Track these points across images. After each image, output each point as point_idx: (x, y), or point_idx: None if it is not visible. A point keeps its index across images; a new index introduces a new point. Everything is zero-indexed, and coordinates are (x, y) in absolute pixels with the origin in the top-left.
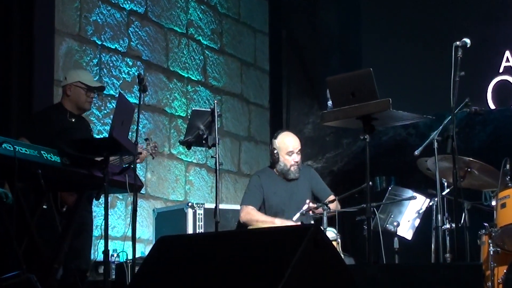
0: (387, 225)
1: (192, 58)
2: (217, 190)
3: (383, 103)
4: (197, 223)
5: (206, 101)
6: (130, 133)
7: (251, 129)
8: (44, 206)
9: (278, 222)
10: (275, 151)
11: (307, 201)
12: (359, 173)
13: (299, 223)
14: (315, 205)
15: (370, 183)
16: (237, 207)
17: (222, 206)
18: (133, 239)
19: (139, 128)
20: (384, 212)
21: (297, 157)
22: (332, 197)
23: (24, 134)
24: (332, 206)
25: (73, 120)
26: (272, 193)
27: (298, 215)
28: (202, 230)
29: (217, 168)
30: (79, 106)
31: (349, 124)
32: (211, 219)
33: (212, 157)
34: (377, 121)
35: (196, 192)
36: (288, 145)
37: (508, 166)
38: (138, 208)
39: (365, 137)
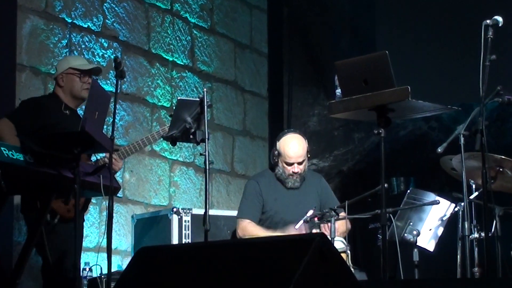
0: (406, 234)
1: (177, 39)
2: (206, 193)
3: (401, 92)
4: (184, 231)
5: (194, 89)
6: (105, 127)
7: (247, 122)
8: None
9: (279, 234)
10: (276, 153)
11: (314, 208)
12: (373, 173)
13: (302, 231)
14: (322, 212)
15: (386, 185)
16: (230, 213)
17: (212, 212)
18: (109, 250)
19: (116, 121)
20: (401, 219)
21: (297, 169)
22: (342, 215)
23: (10, 117)
24: (342, 222)
25: (67, 113)
26: (273, 200)
27: (301, 222)
28: (189, 240)
29: (207, 168)
30: (74, 94)
31: (361, 116)
32: (200, 227)
33: (201, 154)
34: (394, 113)
35: (182, 196)
36: (288, 155)
37: None
38: (114, 214)
39: (380, 131)
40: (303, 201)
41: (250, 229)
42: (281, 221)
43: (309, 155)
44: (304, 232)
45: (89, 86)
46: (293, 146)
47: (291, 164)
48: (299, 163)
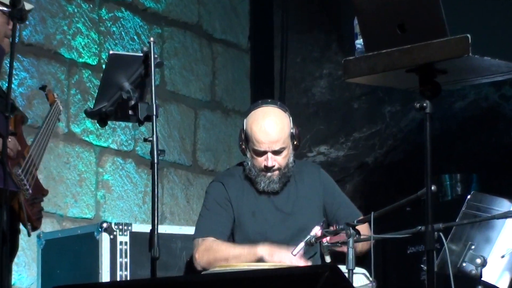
0: (464, 264)
1: None
2: (154, 200)
3: (457, 44)
4: (119, 259)
5: (135, 38)
6: None
7: (217, 89)
8: None
9: (263, 252)
10: (242, 136)
11: (321, 224)
12: (413, 168)
13: (304, 261)
14: (332, 229)
15: (434, 186)
16: (191, 229)
17: (164, 228)
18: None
19: (13, 87)
20: (458, 240)
21: (271, 161)
22: (364, 231)
23: None
24: (363, 229)
25: None
26: (249, 212)
27: (301, 246)
28: (128, 274)
29: (155, 161)
30: None
31: (395, 81)
32: (144, 252)
33: (145, 140)
34: (446, 76)
35: (116, 204)
36: (256, 138)
37: None
38: (12, 233)
39: (424, 104)
40: (297, 212)
41: (215, 247)
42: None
43: (296, 141)
44: (303, 261)
45: (10, 33)
46: (265, 125)
47: (261, 154)
48: (275, 152)
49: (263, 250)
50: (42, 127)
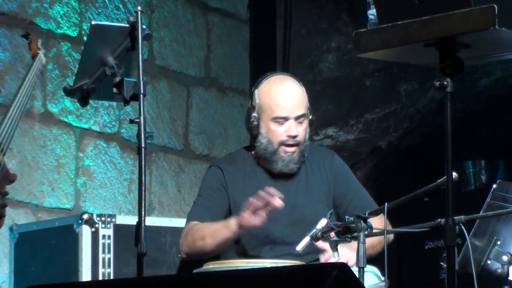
0: (489, 261)
1: None
2: (142, 189)
3: (482, 15)
4: (101, 255)
5: (120, 7)
6: None
7: (212, 64)
8: None
9: (234, 223)
10: (253, 114)
11: (328, 216)
12: (432, 153)
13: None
14: (340, 223)
15: (455, 174)
16: (183, 222)
17: (153, 220)
18: None
19: None
20: (482, 235)
21: (294, 130)
22: (378, 224)
23: None
24: (376, 222)
25: None
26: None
27: (306, 240)
28: (111, 271)
29: (143, 145)
30: None
31: (412, 57)
32: (130, 247)
33: (131, 121)
34: (469, 51)
35: (98, 192)
36: (277, 104)
37: None
38: None
39: (445, 82)
40: (304, 202)
41: (194, 228)
42: (266, 240)
43: (311, 116)
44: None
45: None
46: (286, 88)
47: (282, 122)
48: (298, 119)
49: (234, 221)
50: (20, 91)
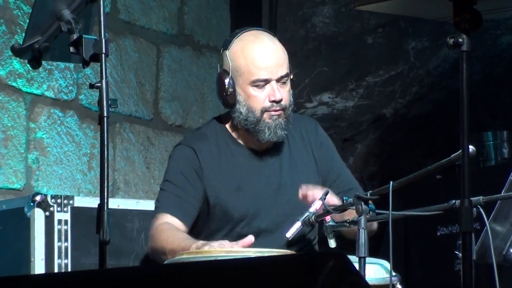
0: (511, 250)
1: None
2: (104, 165)
3: None
4: (57, 243)
5: None
6: None
7: (186, 18)
8: None
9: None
10: (226, 79)
11: (323, 198)
12: (445, 123)
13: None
14: (337, 206)
15: (472, 148)
16: (151, 204)
17: (117, 202)
18: None
19: None
20: (504, 219)
21: (278, 92)
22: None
23: None
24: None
25: None
26: (231, 187)
27: (297, 226)
28: (68, 262)
29: (105, 114)
30: None
31: (422, 9)
32: (91, 234)
33: (91, 86)
34: (489, 2)
35: (53, 170)
36: (256, 64)
37: None
38: None
39: (460, 39)
40: (291, 181)
41: (158, 237)
42: (249, 228)
43: (292, 76)
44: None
45: None
46: (264, 46)
47: (264, 84)
48: (281, 80)
49: (207, 247)
50: None
